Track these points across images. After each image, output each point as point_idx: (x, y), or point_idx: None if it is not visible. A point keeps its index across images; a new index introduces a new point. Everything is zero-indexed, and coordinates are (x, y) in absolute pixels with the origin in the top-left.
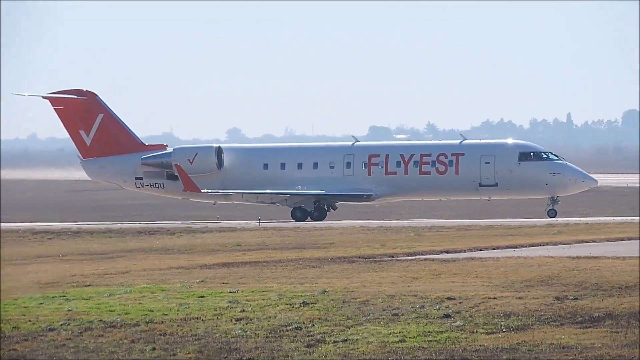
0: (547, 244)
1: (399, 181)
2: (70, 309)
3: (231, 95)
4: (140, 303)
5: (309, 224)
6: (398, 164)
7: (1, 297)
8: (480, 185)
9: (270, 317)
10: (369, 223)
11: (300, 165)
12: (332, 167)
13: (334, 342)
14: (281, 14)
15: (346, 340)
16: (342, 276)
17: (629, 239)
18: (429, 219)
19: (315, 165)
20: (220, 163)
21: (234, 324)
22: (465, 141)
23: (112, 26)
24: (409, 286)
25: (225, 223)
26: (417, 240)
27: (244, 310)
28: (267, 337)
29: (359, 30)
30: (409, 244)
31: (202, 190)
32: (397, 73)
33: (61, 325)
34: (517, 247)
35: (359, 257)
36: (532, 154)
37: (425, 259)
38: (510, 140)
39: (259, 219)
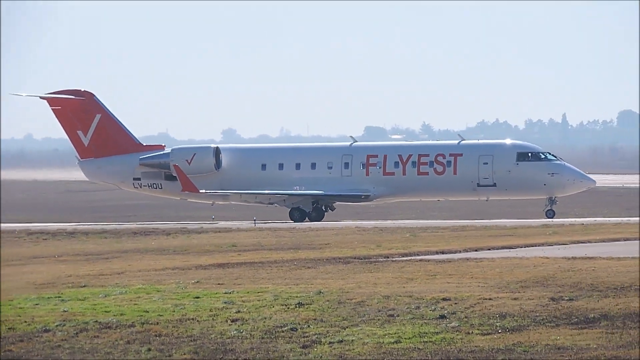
0: (542, 244)
1: (397, 181)
2: (65, 309)
3: (226, 95)
4: (136, 304)
5: (304, 224)
6: (396, 164)
7: (1, 297)
8: (478, 185)
9: (265, 318)
10: (364, 224)
11: (298, 166)
12: (330, 168)
13: (330, 343)
14: (277, 15)
15: (342, 341)
16: (337, 277)
17: (625, 240)
18: (424, 219)
19: (314, 165)
20: (218, 163)
21: (230, 324)
22: (463, 141)
23: (107, 27)
24: (404, 287)
25: (223, 224)
26: (412, 241)
27: (239, 311)
28: (262, 337)
29: (355, 31)
30: (405, 245)
31: (201, 191)
32: (392, 73)
33: (56, 326)
34: (512, 248)
35: (355, 258)
36: (530, 154)
37: (420, 260)
38: (508, 141)
39: (254, 220)
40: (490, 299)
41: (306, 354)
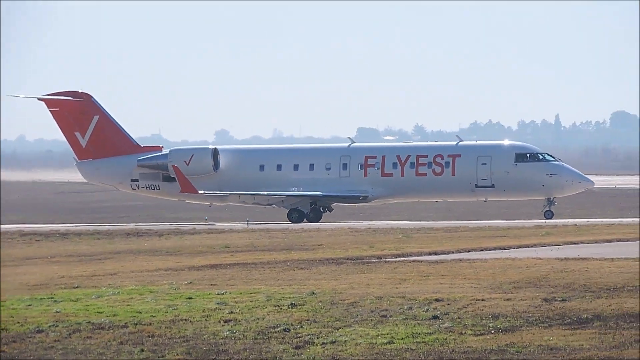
0: (535, 245)
1: (395, 182)
2: (58, 310)
3: (219, 97)
4: (129, 304)
5: (297, 225)
6: (394, 165)
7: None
8: (476, 186)
9: (258, 319)
10: (357, 224)
11: (296, 167)
12: (328, 169)
13: (323, 343)
14: (270, 16)
15: (334, 341)
16: (330, 278)
17: (618, 241)
18: (417, 220)
19: (312, 166)
20: (216, 164)
21: (222, 325)
22: (461, 142)
23: (98, 28)
24: (397, 287)
25: (221, 225)
26: (405, 242)
27: (232, 312)
28: (255, 338)
29: (347, 32)
30: (397, 246)
31: (199, 192)
32: (384, 75)
33: (49, 326)
34: (505, 249)
35: (347, 259)
36: (528, 155)
37: (413, 261)
38: (506, 142)
39: (247, 221)
40: (483, 299)
41: (299, 354)
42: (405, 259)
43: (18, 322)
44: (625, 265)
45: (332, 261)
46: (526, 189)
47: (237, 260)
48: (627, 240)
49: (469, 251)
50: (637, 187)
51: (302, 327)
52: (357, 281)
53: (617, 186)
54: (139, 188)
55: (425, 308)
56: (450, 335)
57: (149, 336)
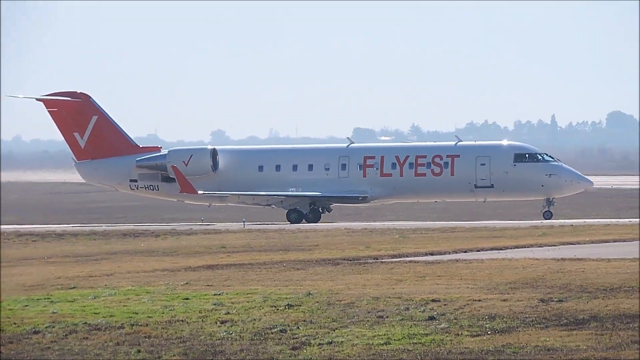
0: (531, 245)
1: (394, 183)
2: (55, 311)
3: (215, 97)
4: (125, 305)
5: (293, 225)
6: (393, 165)
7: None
8: (475, 186)
9: (255, 320)
10: (353, 225)
11: (295, 167)
12: (327, 169)
13: (319, 344)
14: (264, 17)
15: (331, 342)
16: (326, 278)
17: (614, 241)
18: (414, 220)
19: (311, 167)
20: (215, 165)
21: (219, 326)
22: (460, 143)
23: (94, 28)
24: (393, 288)
25: (218, 225)
26: (401, 242)
27: (228, 313)
28: (252, 339)
29: (343, 33)
30: (394, 246)
31: (199, 192)
32: (380, 75)
33: (46, 327)
34: (501, 249)
35: (344, 259)
36: (527, 155)
37: (409, 261)
38: (505, 142)
39: (244, 221)
40: (479, 300)
41: (296, 355)
42: (401, 259)
43: (15, 323)
44: (622, 266)
45: (328, 262)
46: (525, 190)
47: (234, 260)
48: (624, 241)
49: (465, 252)
50: (634, 187)
51: (298, 327)
52: (354, 282)
53: (613, 186)
54: (137, 188)
55: (422, 309)
56: (447, 336)
57: (145, 337)
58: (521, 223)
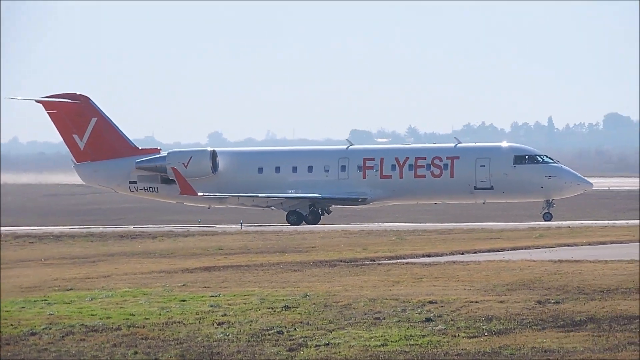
0: (529, 247)
1: (394, 184)
2: (52, 313)
3: (212, 99)
4: (122, 307)
5: (291, 227)
6: (393, 167)
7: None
8: (475, 188)
9: (252, 321)
10: (350, 227)
11: (295, 169)
12: (327, 171)
13: (316, 346)
14: (261, 18)
15: (328, 344)
16: (323, 280)
17: (611, 243)
18: (411, 222)
19: (310, 169)
20: (214, 167)
21: (216, 328)
22: (460, 144)
23: (88, 29)
24: (390, 290)
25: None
26: (398, 244)
27: (225, 314)
28: (248, 341)
29: (339, 35)
30: (391, 248)
31: (199, 193)
32: (377, 77)
33: (43, 329)
34: (498, 251)
35: (341, 261)
36: (527, 157)
37: (406, 263)
38: (505, 143)
39: (241, 222)
40: (476, 302)
41: (292, 357)
42: (398, 261)
43: (12, 325)
44: (618, 268)
45: (325, 263)
46: (525, 191)
47: (231, 262)
48: (621, 243)
49: (462, 253)
50: (631, 189)
51: (295, 329)
52: (351, 283)
53: (610, 188)
54: (137, 190)
55: (419, 310)
56: (444, 337)
57: (142, 338)
58: (518, 225)
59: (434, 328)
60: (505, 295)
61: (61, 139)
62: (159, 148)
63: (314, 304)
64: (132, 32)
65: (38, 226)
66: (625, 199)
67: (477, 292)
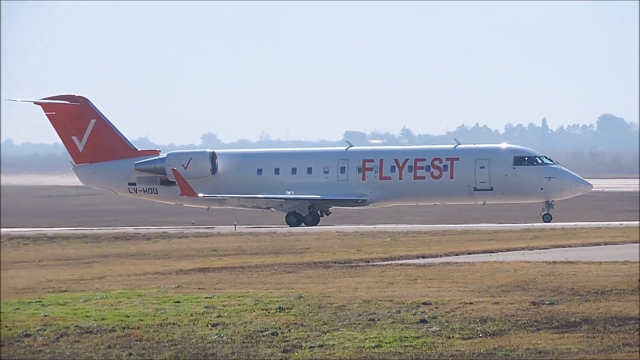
0: (523, 248)
1: (393, 186)
2: (46, 314)
3: (206, 100)
4: (117, 308)
5: (285, 229)
6: (392, 168)
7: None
8: (475, 189)
9: (246, 323)
10: (344, 228)
11: (294, 170)
12: (326, 172)
13: (310, 347)
14: (254, 20)
15: (322, 345)
16: (318, 281)
17: (605, 244)
18: (405, 224)
19: (310, 170)
20: (214, 168)
21: (210, 329)
22: (459, 146)
23: (82, 30)
24: (385, 291)
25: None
26: (393, 246)
27: (220, 316)
28: (243, 342)
29: (333, 36)
30: (385, 249)
31: (199, 195)
32: (371, 78)
33: (37, 330)
34: (493, 252)
35: (335, 262)
36: (526, 158)
37: (401, 264)
38: (504, 145)
39: (235, 224)
40: (471, 303)
41: (287, 358)
42: (393, 262)
43: (6, 326)
44: (613, 269)
45: (319, 265)
46: (525, 192)
47: (225, 263)
48: (615, 244)
49: (457, 255)
50: (625, 190)
51: (290, 330)
52: (345, 285)
53: (604, 189)
54: (136, 192)
55: (413, 312)
56: (438, 339)
57: (137, 340)
58: (513, 226)
59: (429, 329)
60: (499, 296)
61: (57, 140)
62: (158, 150)
63: (308, 305)
64: (124, 34)
65: (32, 227)
66: (619, 200)
67: (472, 293)
